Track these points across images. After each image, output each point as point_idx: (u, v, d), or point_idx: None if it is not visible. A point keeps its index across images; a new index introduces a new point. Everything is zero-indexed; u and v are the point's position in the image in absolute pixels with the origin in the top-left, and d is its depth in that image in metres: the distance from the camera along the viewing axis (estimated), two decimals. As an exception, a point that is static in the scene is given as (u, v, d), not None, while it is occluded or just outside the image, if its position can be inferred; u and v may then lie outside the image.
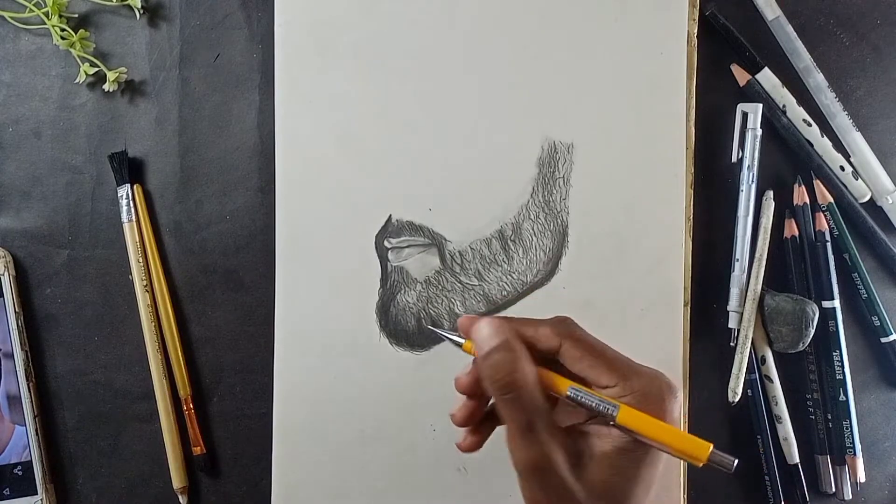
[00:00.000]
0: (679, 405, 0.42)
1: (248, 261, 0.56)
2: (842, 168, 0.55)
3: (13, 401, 0.54)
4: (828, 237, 0.55)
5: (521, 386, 0.40)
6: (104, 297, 0.56)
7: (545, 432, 0.39)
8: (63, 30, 0.54)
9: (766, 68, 0.55)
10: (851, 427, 0.55)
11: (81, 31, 0.55)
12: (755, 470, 0.55)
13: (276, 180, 0.55)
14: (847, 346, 0.55)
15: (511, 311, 0.54)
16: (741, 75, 0.55)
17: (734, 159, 0.55)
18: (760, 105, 0.55)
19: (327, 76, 0.55)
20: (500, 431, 0.53)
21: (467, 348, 0.44)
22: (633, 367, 0.42)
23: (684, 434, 0.40)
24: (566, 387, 0.41)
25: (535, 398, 0.40)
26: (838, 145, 0.56)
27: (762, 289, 0.55)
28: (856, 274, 0.55)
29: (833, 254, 0.55)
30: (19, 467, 0.55)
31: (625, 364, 0.42)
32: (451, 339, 0.45)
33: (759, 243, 0.55)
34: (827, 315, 0.55)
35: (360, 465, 0.54)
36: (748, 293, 0.55)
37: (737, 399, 0.54)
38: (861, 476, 0.55)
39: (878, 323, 0.56)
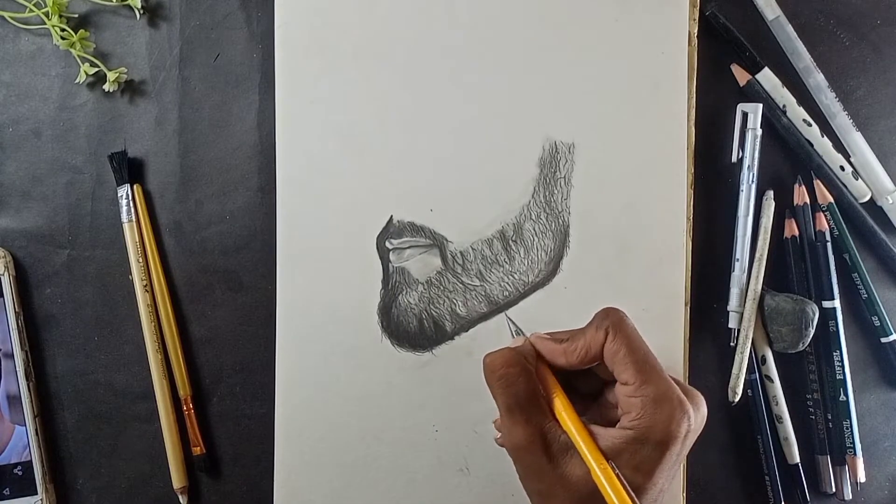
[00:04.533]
0: (690, 433, 0.44)
1: (248, 261, 0.56)
2: (842, 168, 0.55)
3: (13, 401, 0.54)
4: (828, 237, 0.55)
5: (508, 373, 0.46)
6: (104, 297, 0.56)
7: (526, 417, 0.44)
8: (63, 30, 0.54)
9: (766, 68, 0.55)
10: (851, 427, 0.55)
11: (81, 31, 0.54)
12: (755, 470, 0.55)
13: (276, 180, 0.55)
14: (847, 346, 0.55)
15: (512, 312, 0.54)
16: (741, 75, 0.55)
17: (734, 159, 0.55)
18: (760, 105, 0.55)
19: (327, 76, 0.55)
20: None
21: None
22: (657, 376, 0.44)
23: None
24: (600, 462, 0.43)
25: (518, 388, 0.45)
26: (838, 145, 0.56)
27: (762, 289, 0.55)
28: (856, 274, 0.56)
29: (833, 254, 0.55)
30: (19, 467, 0.55)
31: (651, 369, 0.44)
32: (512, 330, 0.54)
33: (759, 243, 0.55)
34: (827, 315, 0.55)
35: (361, 465, 0.54)
36: (748, 293, 0.55)
37: (737, 399, 0.55)
38: (861, 476, 0.55)
39: (878, 323, 0.56)
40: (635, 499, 0.42)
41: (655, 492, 0.44)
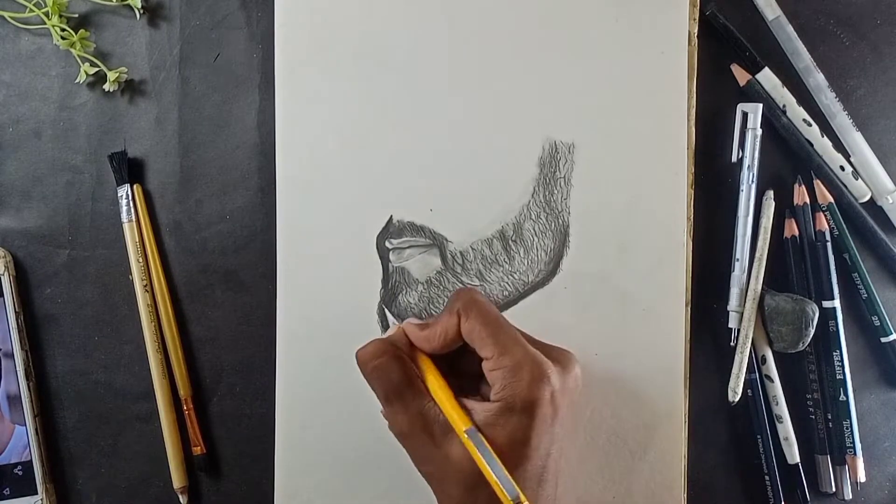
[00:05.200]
0: (556, 393, 0.45)
1: (248, 261, 0.56)
2: (842, 168, 0.55)
3: (13, 401, 0.54)
4: (828, 237, 0.55)
5: (375, 364, 0.47)
6: (104, 297, 0.56)
7: (402, 404, 0.46)
8: (63, 30, 0.54)
9: (766, 68, 0.55)
10: (851, 427, 0.55)
11: (81, 31, 0.54)
12: (755, 470, 0.55)
13: (276, 180, 0.55)
14: (847, 346, 0.55)
15: (512, 312, 0.54)
16: (741, 75, 0.55)
17: (734, 159, 0.55)
18: (760, 105, 0.55)
19: (327, 76, 0.55)
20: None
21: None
22: (513, 345, 0.45)
23: (503, 474, 0.42)
24: (467, 425, 0.45)
25: (391, 375, 0.46)
26: (838, 145, 0.56)
27: (762, 289, 0.55)
28: (856, 274, 0.56)
29: (833, 254, 0.55)
30: (19, 467, 0.55)
31: (508, 340, 0.46)
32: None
33: (759, 243, 0.55)
34: (827, 315, 0.55)
35: (361, 465, 0.54)
36: (748, 293, 0.55)
37: (737, 399, 0.54)
38: (861, 476, 0.55)
39: (878, 323, 0.56)
40: (499, 462, 0.42)
41: (541, 456, 0.44)
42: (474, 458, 0.43)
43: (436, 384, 0.47)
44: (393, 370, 0.46)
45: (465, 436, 0.44)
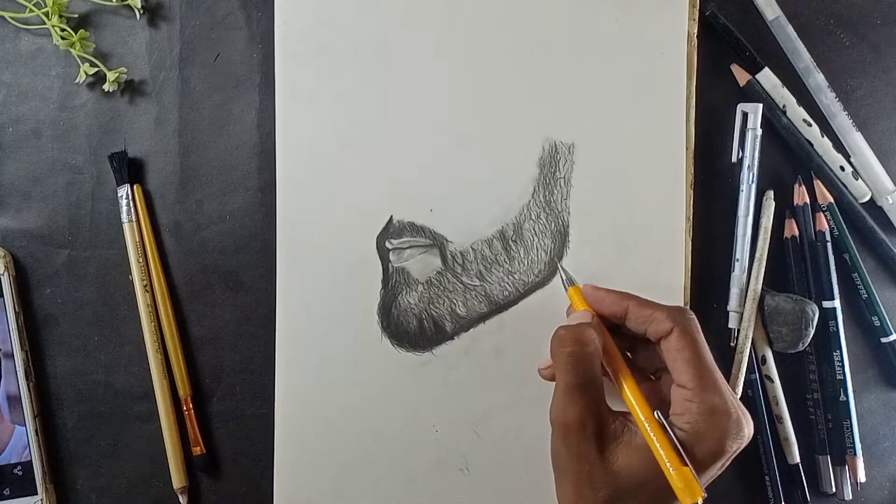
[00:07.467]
0: (738, 450, 0.43)
1: (248, 261, 0.56)
2: (842, 168, 0.55)
3: (13, 401, 0.54)
4: (828, 237, 0.55)
5: (580, 352, 0.44)
6: (104, 297, 0.56)
7: (585, 399, 0.43)
8: (63, 30, 0.54)
9: (766, 68, 0.55)
10: (851, 427, 0.55)
11: (81, 31, 0.54)
12: (755, 470, 0.55)
13: (276, 180, 0.55)
14: (847, 346, 0.55)
15: (512, 312, 0.54)
16: (741, 75, 0.55)
17: (734, 159, 0.55)
18: (760, 105, 0.55)
19: (327, 76, 0.55)
20: (500, 434, 0.53)
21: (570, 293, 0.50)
22: (717, 387, 0.43)
23: (686, 471, 0.41)
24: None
25: (586, 369, 0.44)
26: (838, 145, 0.56)
27: (762, 289, 0.55)
28: (856, 274, 0.56)
29: (833, 254, 0.55)
30: (19, 467, 0.54)
31: (713, 379, 0.44)
32: (563, 278, 0.51)
33: (759, 243, 0.55)
34: (827, 315, 0.55)
35: (361, 465, 0.54)
36: (748, 293, 0.55)
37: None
38: (861, 476, 0.55)
39: (878, 323, 0.56)
40: (688, 462, 0.41)
41: None
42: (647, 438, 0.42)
43: (637, 399, 0.44)
44: (589, 364, 0.44)
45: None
